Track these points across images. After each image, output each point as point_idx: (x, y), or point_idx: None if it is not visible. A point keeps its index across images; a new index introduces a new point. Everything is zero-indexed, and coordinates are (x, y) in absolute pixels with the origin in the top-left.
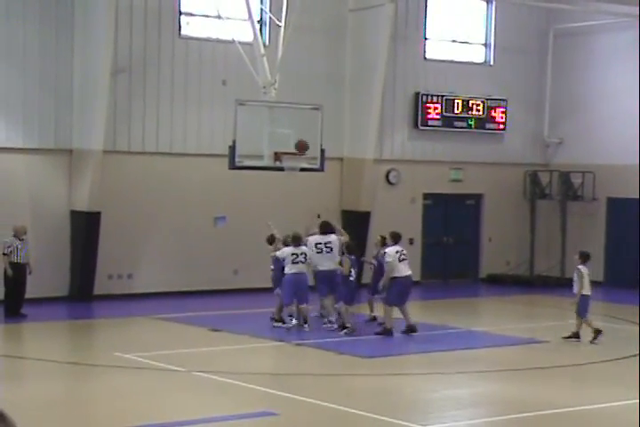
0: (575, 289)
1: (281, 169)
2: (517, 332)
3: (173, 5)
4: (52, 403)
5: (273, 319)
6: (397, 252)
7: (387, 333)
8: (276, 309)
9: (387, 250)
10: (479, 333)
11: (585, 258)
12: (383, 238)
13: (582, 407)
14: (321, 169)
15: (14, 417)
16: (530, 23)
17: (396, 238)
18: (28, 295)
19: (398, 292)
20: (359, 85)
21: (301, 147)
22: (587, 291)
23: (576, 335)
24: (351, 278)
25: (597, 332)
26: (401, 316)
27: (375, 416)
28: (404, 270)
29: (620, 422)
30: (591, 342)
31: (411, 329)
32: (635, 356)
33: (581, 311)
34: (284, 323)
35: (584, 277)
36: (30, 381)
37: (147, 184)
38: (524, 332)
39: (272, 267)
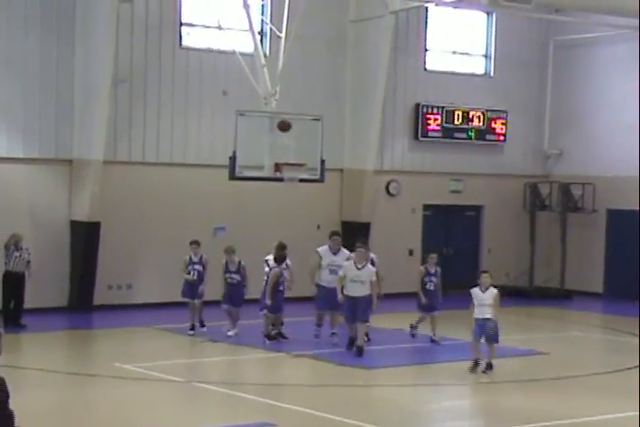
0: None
1: (281, 180)
2: (517, 343)
3: (174, 16)
4: (51, 413)
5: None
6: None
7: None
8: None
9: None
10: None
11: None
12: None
13: (583, 419)
14: (321, 180)
15: None
16: (530, 35)
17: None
18: (27, 305)
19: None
20: (360, 96)
21: (284, 126)
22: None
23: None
24: (280, 288)
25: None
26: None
27: None
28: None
29: None
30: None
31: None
32: (634, 368)
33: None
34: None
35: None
36: (30, 391)
37: (147, 194)
38: (523, 343)
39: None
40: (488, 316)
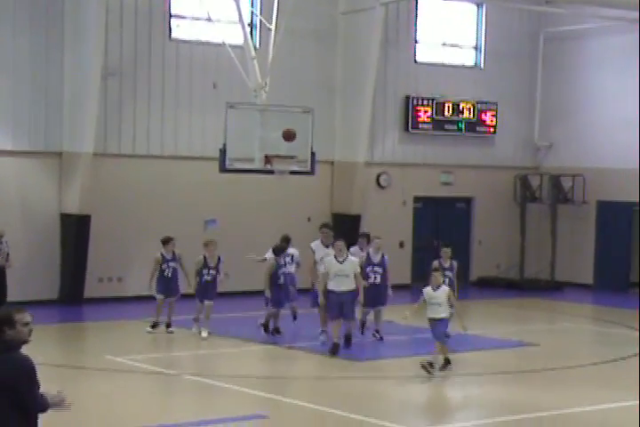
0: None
1: (271, 172)
2: (507, 335)
3: (164, 8)
4: None
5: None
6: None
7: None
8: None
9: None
10: (469, 336)
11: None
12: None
13: (573, 410)
14: (311, 172)
15: None
16: (520, 26)
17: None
18: (17, 298)
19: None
20: (350, 88)
21: (288, 135)
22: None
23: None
24: (280, 282)
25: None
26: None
27: (366, 419)
28: None
29: (611, 425)
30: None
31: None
32: (625, 358)
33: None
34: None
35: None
36: None
37: (137, 187)
38: (513, 335)
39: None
40: (442, 315)
